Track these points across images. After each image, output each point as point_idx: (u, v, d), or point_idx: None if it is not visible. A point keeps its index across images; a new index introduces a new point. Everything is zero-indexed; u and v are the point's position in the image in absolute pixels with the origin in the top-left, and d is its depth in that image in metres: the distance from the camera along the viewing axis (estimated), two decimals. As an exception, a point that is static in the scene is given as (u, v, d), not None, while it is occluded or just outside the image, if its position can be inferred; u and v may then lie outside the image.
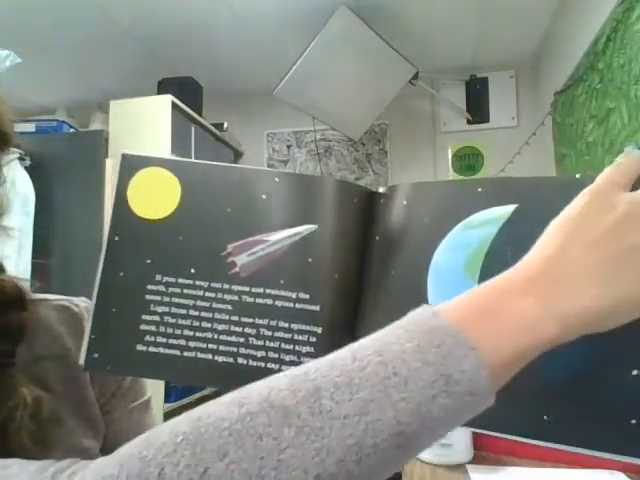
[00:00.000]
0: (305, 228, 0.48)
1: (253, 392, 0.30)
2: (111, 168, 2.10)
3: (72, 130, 2.47)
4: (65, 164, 2.16)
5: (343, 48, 2.10)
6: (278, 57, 2.30)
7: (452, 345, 0.30)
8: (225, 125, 2.71)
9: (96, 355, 0.48)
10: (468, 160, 2.73)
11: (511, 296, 0.32)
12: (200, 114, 2.48)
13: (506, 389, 0.32)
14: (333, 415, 0.28)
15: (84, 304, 0.59)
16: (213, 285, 0.48)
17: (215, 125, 2.62)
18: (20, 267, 1.87)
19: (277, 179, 0.50)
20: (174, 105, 2.19)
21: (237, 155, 2.94)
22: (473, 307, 0.32)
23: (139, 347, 0.48)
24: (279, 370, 0.47)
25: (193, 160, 0.49)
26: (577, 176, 0.41)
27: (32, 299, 0.55)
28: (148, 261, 0.49)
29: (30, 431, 0.45)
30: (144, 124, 2.16)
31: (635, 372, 0.36)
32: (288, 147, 2.93)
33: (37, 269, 1.93)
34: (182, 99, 2.25)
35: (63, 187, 2.14)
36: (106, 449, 0.56)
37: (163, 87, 2.39)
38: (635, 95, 1.48)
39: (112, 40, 2.31)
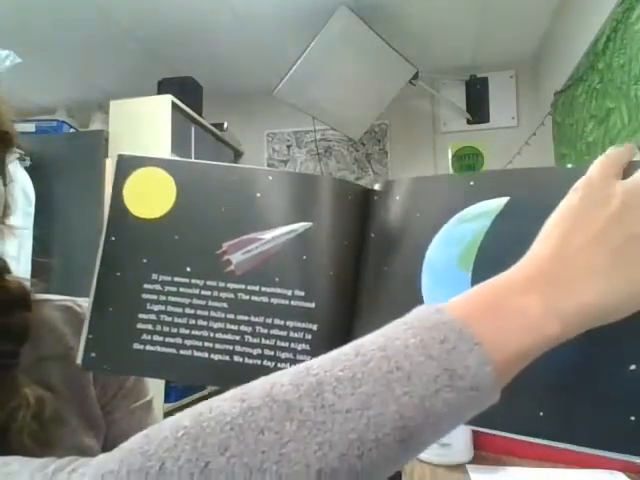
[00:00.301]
0: (300, 225, 0.48)
1: (255, 387, 0.30)
2: (111, 168, 2.08)
3: (72, 130, 2.47)
4: (65, 164, 2.16)
5: (343, 48, 2.10)
6: (278, 57, 2.30)
7: (456, 340, 0.29)
8: (225, 125, 2.71)
9: (93, 354, 0.48)
10: (468, 160, 2.73)
11: (514, 294, 0.32)
12: (200, 114, 2.48)
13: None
14: (335, 409, 0.28)
15: (87, 304, 0.60)
16: (209, 283, 0.48)
17: (215, 125, 2.62)
18: (20, 267, 1.87)
19: (271, 177, 0.50)
20: (174, 105, 2.19)
21: (237, 155, 2.94)
22: (476, 304, 0.32)
23: (136, 346, 0.48)
24: (275, 368, 0.47)
25: (188, 160, 0.50)
26: (569, 166, 0.41)
27: (36, 299, 0.56)
28: (144, 260, 0.49)
29: (32, 431, 0.46)
30: (144, 124, 2.16)
31: (633, 367, 0.36)
32: (288, 147, 2.93)
33: (37, 269, 1.93)
34: (182, 99, 2.25)
35: (63, 187, 2.14)
36: (107, 449, 0.56)
37: (163, 87, 2.39)
38: (635, 95, 1.48)
39: (112, 40, 2.32)
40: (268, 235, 0.48)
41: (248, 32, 2.29)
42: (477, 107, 2.70)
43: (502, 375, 0.30)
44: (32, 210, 2.02)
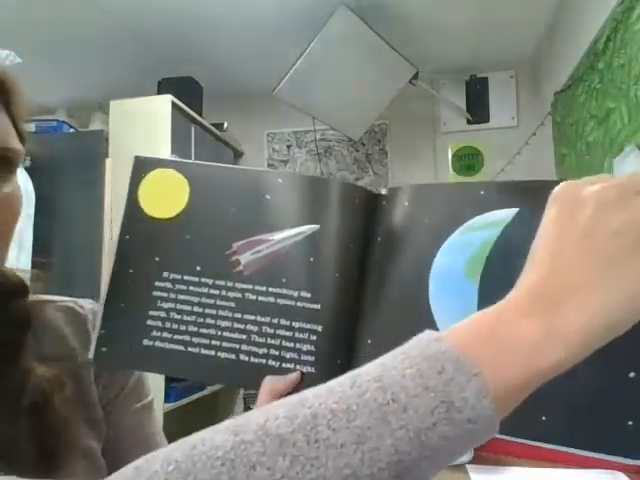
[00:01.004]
0: (308, 228, 0.49)
1: (250, 420, 0.29)
2: (111, 168, 2.10)
3: (72, 130, 2.47)
4: (65, 164, 2.16)
5: (343, 48, 2.11)
6: (278, 57, 2.30)
7: (454, 371, 0.28)
8: (225, 125, 2.71)
9: (104, 349, 0.50)
10: (468, 160, 2.73)
11: (512, 320, 0.31)
12: (200, 114, 2.48)
13: None
14: (329, 444, 0.27)
15: (89, 305, 0.60)
16: (217, 282, 0.49)
17: (215, 125, 2.62)
18: (20, 267, 1.87)
19: (281, 180, 0.51)
20: (174, 105, 2.19)
21: (237, 155, 2.95)
22: (476, 333, 0.31)
23: (146, 342, 0.49)
24: (280, 367, 0.47)
25: (202, 162, 0.52)
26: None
27: (37, 300, 0.56)
28: (156, 259, 0.51)
29: (60, 403, 0.47)
30: (144, 124, 2.16)
31: (632, 374, 0.37)
32: (288, 147, 2.93)
33: (37, 269, 1.93)
34: (182, 99, 2.25)
35: (63, 187, 2.14)
36: (107, 450, 0.57)
37: (163, 87, 2.39)
38: (635, 95, 1.48)
39: (112, 40, 2.32)
40: (277, 236, 0.49)
41: (248, 32, 2.29)
42: (477, 107, 2.70)
43: (502, 406, 0.29)
44: (32, 210, 2.02)
